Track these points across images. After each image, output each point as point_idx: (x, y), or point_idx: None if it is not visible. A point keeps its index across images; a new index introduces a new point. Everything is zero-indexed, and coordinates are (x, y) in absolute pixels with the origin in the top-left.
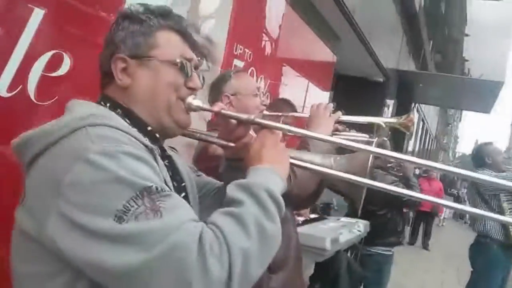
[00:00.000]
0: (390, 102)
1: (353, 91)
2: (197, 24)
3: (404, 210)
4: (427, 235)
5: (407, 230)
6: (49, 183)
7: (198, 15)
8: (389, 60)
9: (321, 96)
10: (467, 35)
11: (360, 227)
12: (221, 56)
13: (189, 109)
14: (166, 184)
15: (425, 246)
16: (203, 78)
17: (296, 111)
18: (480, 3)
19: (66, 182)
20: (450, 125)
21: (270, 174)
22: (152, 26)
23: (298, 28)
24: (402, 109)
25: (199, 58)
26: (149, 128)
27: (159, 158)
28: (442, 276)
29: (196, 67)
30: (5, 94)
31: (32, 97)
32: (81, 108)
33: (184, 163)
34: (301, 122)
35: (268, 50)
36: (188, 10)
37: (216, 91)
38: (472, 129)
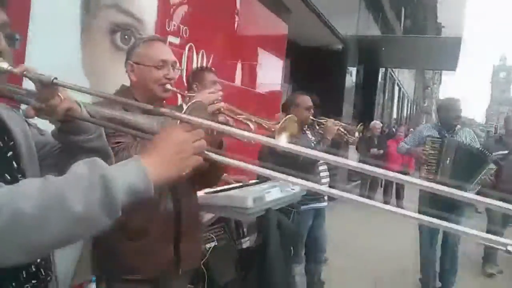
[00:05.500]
0: (353, 69)
1: (311, 61)
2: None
3: None
4: (399, 196)
5: (379, 191)
6: None
7: None
8: (348, 27)
9: (274, 67)
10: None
11: (295, 186)
12: (152, 33)
13: None
14: None
15: (398, 207)
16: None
17: (216, 79)
18: None
19: None
20: (430, 88)
21: (136, 167)
22: None
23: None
24: (368, 74)
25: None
26: None
27: None
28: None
29: (2, 27)
30: None
31: None
32: None
33: (21, 122)
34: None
35: (212, 25)
36: None
37: (126, 58)
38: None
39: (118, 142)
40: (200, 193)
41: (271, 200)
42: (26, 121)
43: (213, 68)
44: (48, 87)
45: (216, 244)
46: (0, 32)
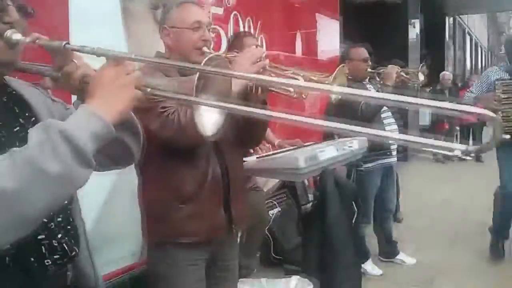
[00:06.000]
0: (416, 21)
1: (369, 17)
2: None
3: None
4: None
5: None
6: None
7: None
8: None
9: (331, 27)
10: None
11: (353, 143)
12: None
13: (10, 44)
14: None
15: (478, 158)
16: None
17: (256, 44)
18: None
19: None
20: (505, 34)
21: (86, 114)
22: None
23: None
24: (433, 25)
25: None
26: None
27: None
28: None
29: None
30: None
31: None
32: None
33: (44, 98)
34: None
35: None
36: None
37: (159, 24)
38: None
39: (165, 107)
40: (251, 158)
41: (325, 159)
42: (50, 97)
43: (252, 32)
44: (61, 53)
45: (279, 210)
46: (11, 4)
